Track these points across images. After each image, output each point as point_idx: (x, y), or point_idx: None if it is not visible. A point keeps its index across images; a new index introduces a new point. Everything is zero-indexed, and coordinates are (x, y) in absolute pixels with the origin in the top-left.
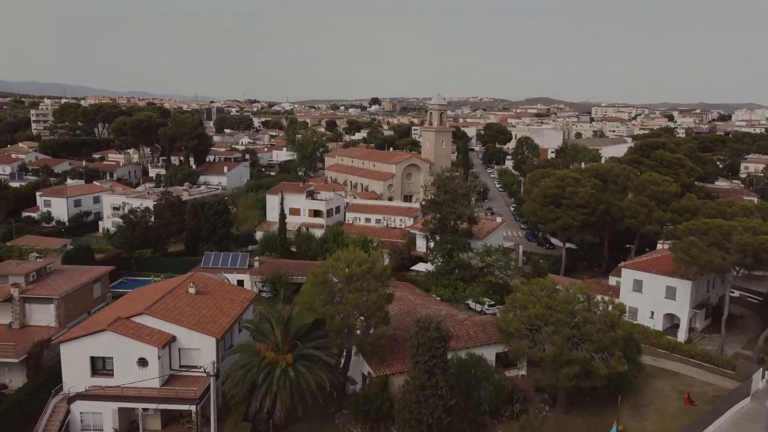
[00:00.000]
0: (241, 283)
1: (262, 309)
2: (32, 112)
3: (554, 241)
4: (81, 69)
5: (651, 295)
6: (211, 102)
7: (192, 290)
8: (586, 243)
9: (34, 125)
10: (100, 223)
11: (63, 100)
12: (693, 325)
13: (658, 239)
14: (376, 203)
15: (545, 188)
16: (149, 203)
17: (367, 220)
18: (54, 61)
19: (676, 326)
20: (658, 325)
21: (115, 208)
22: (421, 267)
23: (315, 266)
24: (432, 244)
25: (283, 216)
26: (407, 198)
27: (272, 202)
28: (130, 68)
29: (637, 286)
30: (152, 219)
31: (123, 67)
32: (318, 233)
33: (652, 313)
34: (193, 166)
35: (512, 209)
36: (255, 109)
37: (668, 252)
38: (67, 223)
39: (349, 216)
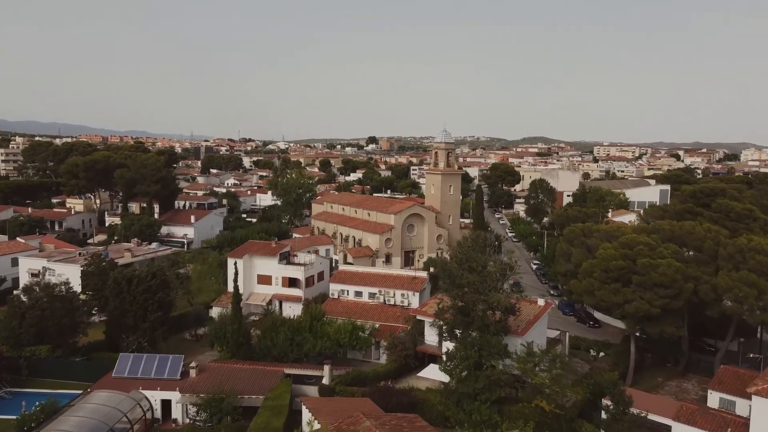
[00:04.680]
0: (167, 404)
1: None
2: (1, 151)
3: (599, 315)
4: (82, 109)
5: None
6: (205, 141)
7: None
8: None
9: (2, 165)
10: (15, 293)
11: (36, 138)
12: None
13: None
14: (370, 271)
15: (607, 259)
16: (75, 269)
17: (358, 293)
18: (54, 101)
19: None
20: None
21: (34, 275)
22: (433, 373)
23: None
24: (449, 345)
25: (237, 297)
26: (408, 255)
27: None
28: (131, 108)
29: None
30: (60, 296)
31: (123, 106)
32: (295, 310)
33: None
34: (157, 215)
35: (534, 266)
36: (249, 148)
37: None
38: None
39: (334, 288)
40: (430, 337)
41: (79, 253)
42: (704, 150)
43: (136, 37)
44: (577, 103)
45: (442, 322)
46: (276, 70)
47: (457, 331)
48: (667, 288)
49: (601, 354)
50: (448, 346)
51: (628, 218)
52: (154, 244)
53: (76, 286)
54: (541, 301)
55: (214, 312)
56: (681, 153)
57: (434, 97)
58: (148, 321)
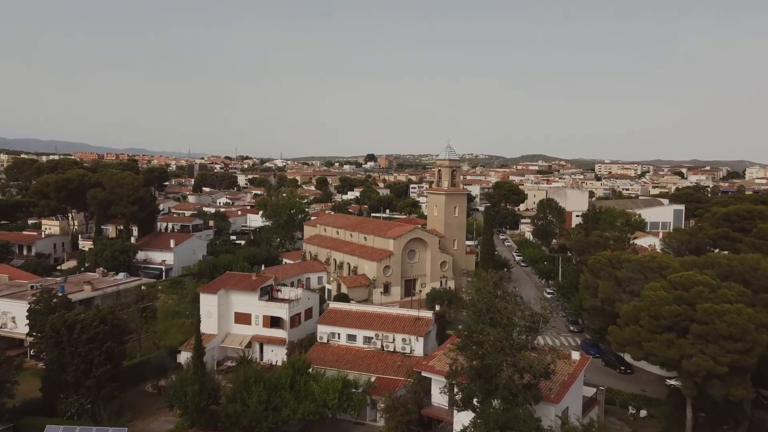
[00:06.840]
0: None
1: None
2: None
3: (630, 359)
4: (82, 127)
5: None
6: (201, 158)
7: None
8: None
9: None
10: None
11: (21, 155)
12: None
13: None
14: (365, 310)
15: (657, 302)
16: (22, 306)
17: (351, 337)
18: (56, 118)
19: None
20: None
21: None
22: None
23: None
24: (464, 419)
25: (200, 351)
26: (409, 284)
27: (209, 303)
28: (131, 126)
29: None
30: None
31: (123, 124)
32: (277, 354)
33: None
34: (135, 238)
35: (548, 295)
36: (245, 166)
37: None
38: None
39: (323, 330)
40: (439, 397)
41: (31, 287)
42: (708, 168)
43: (136, 55)
44: (574, 121)
45: (455, 386)
46: (275, 89)
47: (476, 400)
48: (737, 341)
49: (642, 412)
50: (463, 421)
51: (648, 242)
52: (121, 274)
53: (23, 326)
54: (575, 355)
55: (183, 357)
56: (684, 171)
57: (432, 115)
58: (93, 377)
